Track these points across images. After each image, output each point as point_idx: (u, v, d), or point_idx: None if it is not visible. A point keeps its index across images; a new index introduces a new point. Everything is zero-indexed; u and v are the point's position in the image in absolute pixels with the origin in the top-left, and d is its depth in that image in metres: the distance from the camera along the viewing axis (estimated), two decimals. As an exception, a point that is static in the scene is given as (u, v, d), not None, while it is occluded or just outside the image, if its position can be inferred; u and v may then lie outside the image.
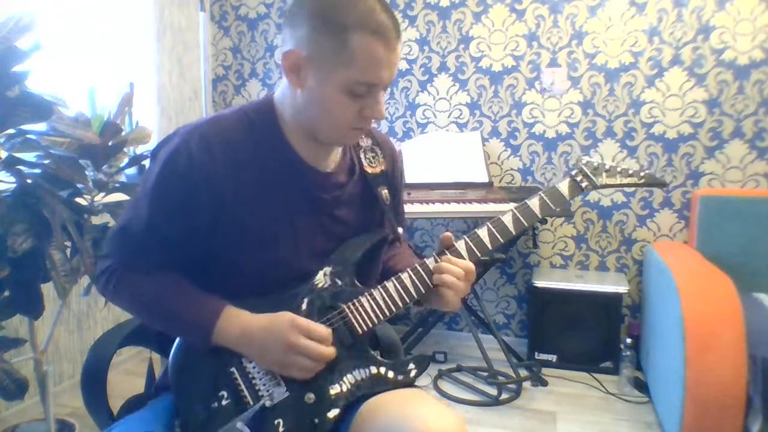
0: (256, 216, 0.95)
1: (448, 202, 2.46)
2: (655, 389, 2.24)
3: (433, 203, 2.44)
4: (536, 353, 2.67)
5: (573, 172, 1.10)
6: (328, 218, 1.01)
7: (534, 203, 1.05)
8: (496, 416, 2.25)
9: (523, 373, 2.57)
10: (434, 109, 3.02)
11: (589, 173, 1.09)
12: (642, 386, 2.45)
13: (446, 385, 2.52)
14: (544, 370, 2.61)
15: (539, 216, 1.06)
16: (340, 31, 0.86)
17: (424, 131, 3.04)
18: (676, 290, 1.86)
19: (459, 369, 2.63)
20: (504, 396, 2.39)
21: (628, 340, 2.49)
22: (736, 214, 2.47)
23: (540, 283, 2.65)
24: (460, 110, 2.98)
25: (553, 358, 2.65)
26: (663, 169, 2.73)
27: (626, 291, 2.58)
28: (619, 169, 1.10)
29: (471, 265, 1.00)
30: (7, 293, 1.57)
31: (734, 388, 1.69)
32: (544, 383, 2.52)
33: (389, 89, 2.98)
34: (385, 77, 0.90)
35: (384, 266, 1.13)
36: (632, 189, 2.78)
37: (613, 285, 2.60)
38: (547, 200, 1.06)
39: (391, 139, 1.20)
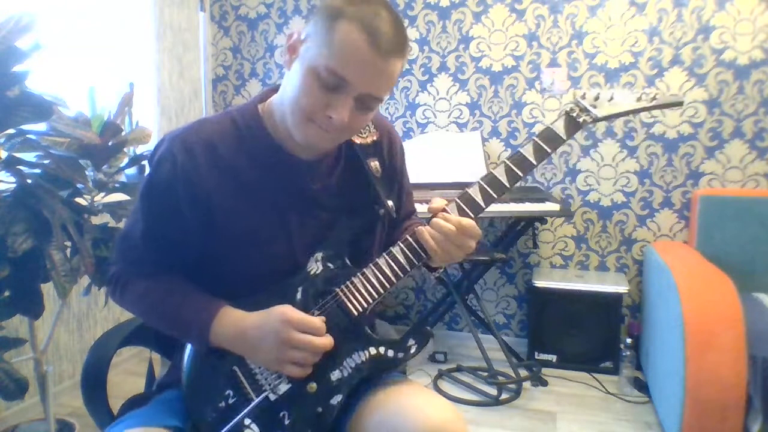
0: (246, 215, 0.95)
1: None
2: (655, 389, 2.24)
3: (433, 203, 2.44)
4: (536, 353, 2.67)
5: (568, 107, 0.98)
6: (321, 208, 1.00)
7: (527, 150, 0.96)
8: (496, 416, 2.25)
9: (523, 373, 2.57)
10: (434, 109, 3.02)
11: (587, 106, 0.97)
12: (642, 386, 2.45)
13: (446, 385, 2.52)
14: (544, 370, 2.61)
15: (534, 163, 0.96)
16: (335, 17, 0.84)
17: (424, 131, 3.04)
18: (676, 290, 1.86)
19: (459, 369, 2.63)
20: (504, 396, 2.39)
21: (628, 340, 2.49)
22: (736, 214, 2.47)
23: (540, 283, 2.65)
24: (460, 110, 2.98)
25: (553, 358, 2.65)
26: (663, 169, 2.73)
27: (626, 291, 2.58)
28: (624, 95, 0.98)
29: (466, 221, 0.93)
30: (7, 293, 1.57)
31: (734, 388, 1.69)
32: (544, 383, 2.52)
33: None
34: (358, 78, 0.84)
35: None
36: (633, 189, 2.78)
37: (613, 285, 2.60)
38: (542, 143, 0.96)
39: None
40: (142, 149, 1.94)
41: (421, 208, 2.35)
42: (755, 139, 2.61)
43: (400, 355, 0.97)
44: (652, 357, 2.30)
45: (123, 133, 1.83)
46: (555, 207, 2.38)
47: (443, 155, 2.75)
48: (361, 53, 0.83)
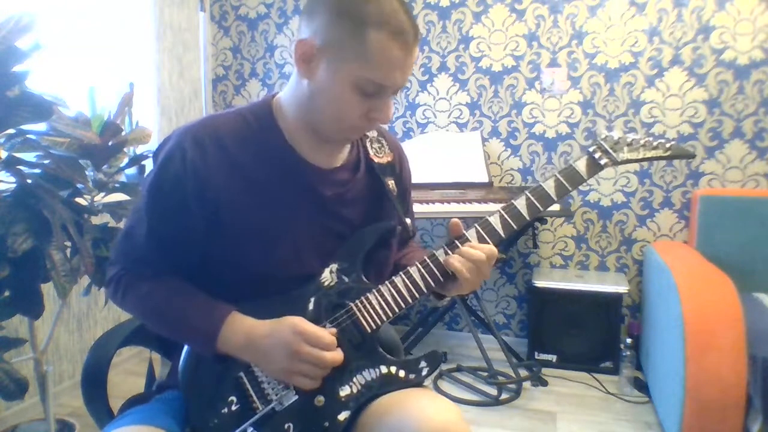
0: (253, 215, 0.94)
1: (448, 202, 2.46)
2: (655, 389, 2.24)
3: (433, 203, 2.44)
4: (536, 353, 2.67)
5: (591, 149, 1.02)
6: (331, 216, 0.99)
7: (549, 185, 1.00)
8: (496, 416, 2.25)
9: (523, 373, 2.58)
10: (434, 109, 3.02)
11: (608, 149, 1.01)
12: (642, 386, 2.45)
13: (446, 385, 2.52)
14: (544, 370, 2.61)
15: (555, 198, 1.00)
16: (360, 25, 0.85)
17: (424, 131, 3.04)
18: (676, 290, 1.86)
19: (459, 369, 2.63)
20: (504, 396, 2.39)
21: (628, 340, 2.49)
22: (736, 214, 2.47)
23: (540, 283, 2.65)
24: (460, 110, 2.98)
25: (553, 358, 2.65)
26: (663, 169, 2.73)
27: (626, 291, 2.58)
28: (642, 142, 1.02)
29: (494, 250, 0.96)
30: (7, 293, 1.56)
31: (734, 388, 1.69)
32: (544, 383, 2.52)
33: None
34: (398, 80, 0.89)
35: (398, 265, 1.10)
36: (633, 189, 2.78)
37: (613, 285, 2.60)
38: (563, 181, 1.00)
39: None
40: (142, 149, 1.94)
41: (420, 207, 2.38)
42: (755, 139, 2.61)
43: (412, 376, 0.95)
44: (652, 357, 2.30)
45: (123, 133, 1.83)
46: (555, 207, 2.38)
47: (443, 155, 2.75)
48: (398, 61, 0.88)
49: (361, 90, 0.88)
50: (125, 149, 1.86)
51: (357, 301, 0.95)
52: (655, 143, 1.03)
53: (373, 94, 0.89)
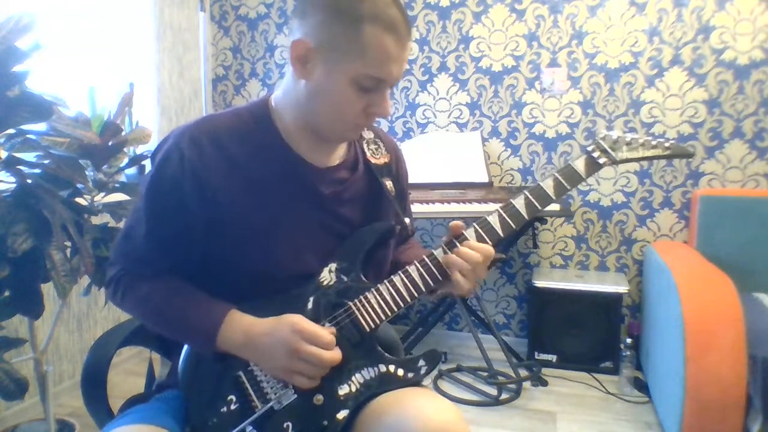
0: (251, 215, 0.94)
1: (448, 202, 2.46)
2: (655, 389, 2.24)
3: (433, 203, 2.44)
4: (536, 353, 2.67)
5: (589, 148, 1.03)
6: (330, 215, 0.99)
7: (548, 184, 1.00)
8: (496, 416, 2.25)
9: (523, 373, 2.58)
10: (434, 109, 3.02)
11: (607, 148, 1.02)
12: (642, 386, 2.45)
13: (446, 385, 2.52)
14: (544, 370, 2.61)
15: (554, 197, 1.00)
16: (354, 22, 0.86)
17: (424, 131, 3.04)
18: (676, 290, 1.86)
19: (459, 369, 2.63)
20: (504, 396, 2.39)
21: (628, 340, 2.49)
22: (736, 214, 2.47)
23: (540, 283, 2.65)
24: (460, 110, 2.98)
25: (553, 358, 2.65)
26: (663, 169, 2.73)
27: (626, 291, 2.58)
28: (641, 141, 1.02)
29: (491, 250, 0.96)
30: (7, 293, 1.56)
31: (734, 388, 1.69)
32: (544, 383, 2.52)
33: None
34: (395, 73, 0.90)
35: (396, 261, 1.10)
36: (633, 189, 2.78)
37: (613, 285, 2.60)
38: (562, 180, 1.00)
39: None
40: (142, 149, 1.94)
41: (420, 207, 2.38)
42: (755, 139, 2.61)
43: (410, 375, 0.95)
44: (652, 357, 2.30)
45: (123, 133, 1.83)
46: (555, 207, 2.38)
47: (443, 155, 2.75)
48: (394, 53, 0.89)
49: (360, 86, 0.89)
50: (125, 149, 1.86)
51: (356, 300, 0.96)
52: (654, 142, 1.03)
53: (371, 89, 0.90)
